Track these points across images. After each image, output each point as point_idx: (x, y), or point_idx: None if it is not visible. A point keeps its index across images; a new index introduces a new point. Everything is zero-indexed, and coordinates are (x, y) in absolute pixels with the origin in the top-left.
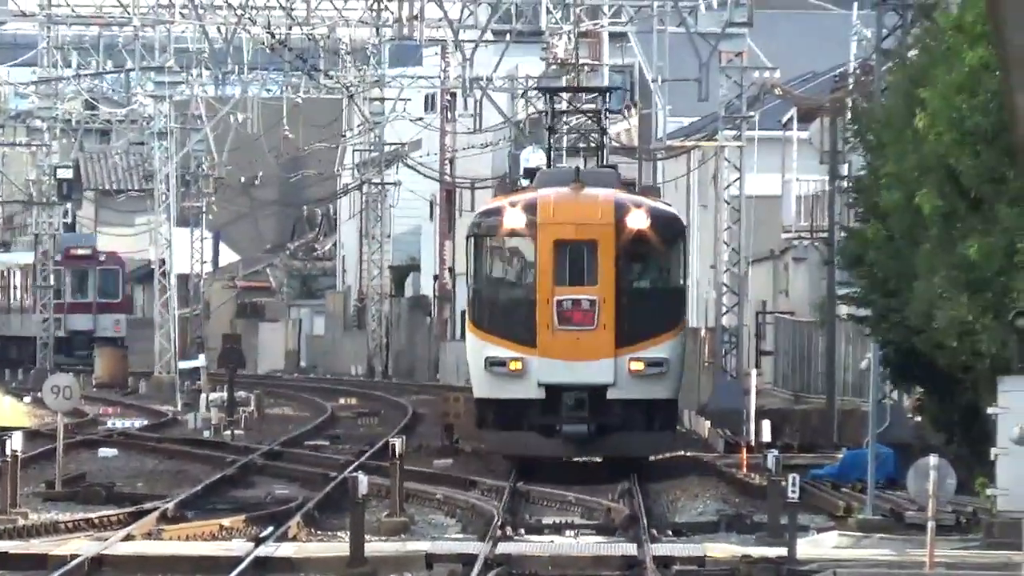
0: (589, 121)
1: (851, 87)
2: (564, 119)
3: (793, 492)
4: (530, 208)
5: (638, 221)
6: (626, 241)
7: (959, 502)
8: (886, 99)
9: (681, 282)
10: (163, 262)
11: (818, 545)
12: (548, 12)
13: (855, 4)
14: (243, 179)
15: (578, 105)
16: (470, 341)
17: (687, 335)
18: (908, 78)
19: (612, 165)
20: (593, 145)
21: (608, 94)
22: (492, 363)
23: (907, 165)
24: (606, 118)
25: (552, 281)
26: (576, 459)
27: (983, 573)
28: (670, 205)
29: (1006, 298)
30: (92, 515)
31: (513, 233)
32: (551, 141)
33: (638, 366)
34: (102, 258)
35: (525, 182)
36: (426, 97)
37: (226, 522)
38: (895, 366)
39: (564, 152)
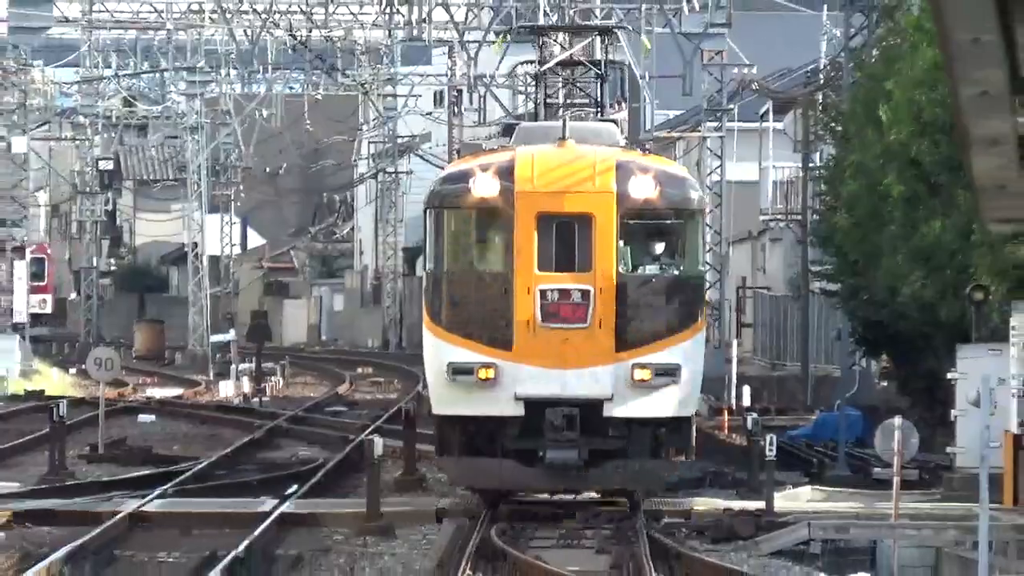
0: (585, 68)
1: (821, 82)
2: (558, 76)
3: (770, 451)
4: (505, 172)
5: (645, 189)
6: (630, 214)
7: (922, 459)
8: (851, 95)
9: (699, 267)
10: (196, 245)
11: (794, 499)
12: (545, 14)
13: (825, 6)
14: (268, 169)
15: (573, 54)
16: (428, 342)
17: (707, 335)
18: (869, 76)
19: (612, 119)
20: (590, 101)
21: (607, 35)
22: (456, 371)
23: (870, 155)
24: (605, 66)
25: (534, 266)
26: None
27: (944, 524)
28: (686, 170)
29: (963, 274)
30: (132, 475)
31: (483, 203)
32: (537, 92)
33: (644, 375)
34: (31, 249)
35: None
36: (435, 93)
37: (254, 481)
38: (863, 337)
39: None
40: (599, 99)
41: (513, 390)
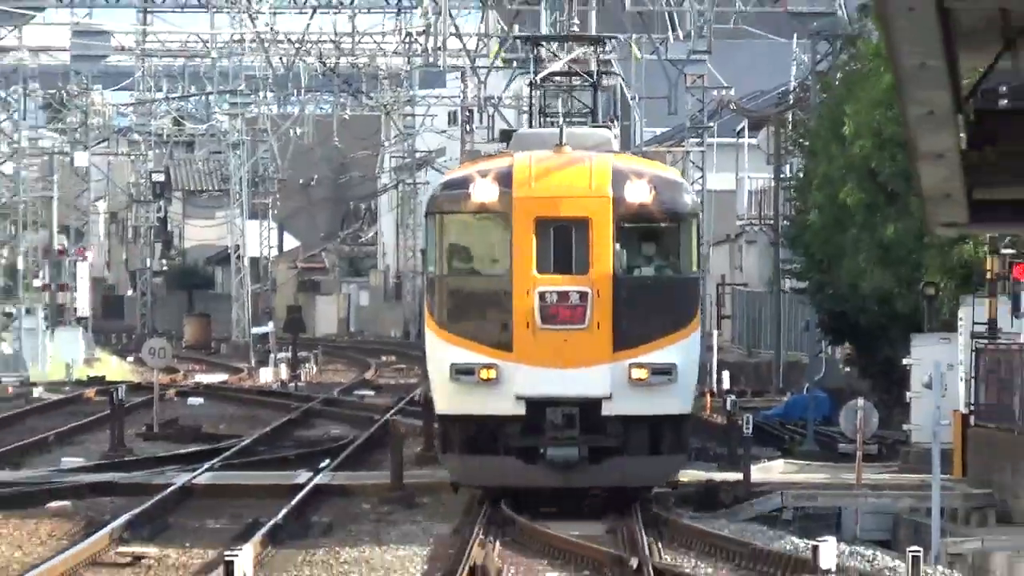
0: (579, 79)
1: (791, 103)
2: (554, 84)
3: (747, 429)
4: (503, 177)
5: (641, 193)
6: (626, 218)
7: (881, 435)
8: (817, 114)
9: (694, 269)
10: (238, 248)
11: (768, 471)
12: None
13: (795, 35)
14: (301, 180)
15: (569, 66)
16: (430, 343)
17: (703, 335)
18: (834, 98)
19: (606, 125)
20: (587, 110)
21: (602, 44)
22: (458, 371)
23: (834, 167)
24: (599, 76)
25: (533, 269)
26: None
27: (901, 492)
28: (679, 174)
29: (916, 272)
30: (183, 451)
31: (482, 208)
32: (533, 99)
33: (641, 374)
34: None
35: (498, 147)
36: (449, 113)
37: (291, 456)
38: (828, 327)
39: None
40: (593, 106)
41: (514, 390)
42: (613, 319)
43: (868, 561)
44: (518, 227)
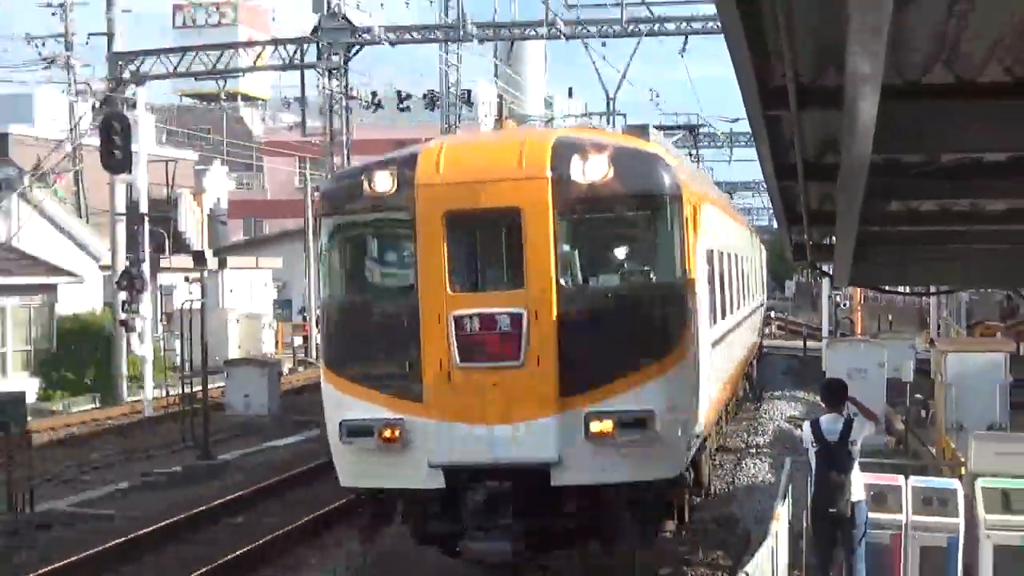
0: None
1: None
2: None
3: None
4: (406, 162)
5: (594, 170)
6: (574, 206)
7: None
8: None
9: (678, 272)
10: None
11: None
12: None
13: None
14: None
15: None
16: (323, 392)
17: (696, 364)
18: None
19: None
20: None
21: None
22: (351, 431)
23: None
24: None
25: (445, 285)
26: None
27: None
28: (662, 148)
29: None
30: None
31: (377, 206)
32: None
33: (603, 427)
34: None
35: None
36: None
37: None
38: None
39: None
40: None
41: (426, 456)
42: (559, 350)
43: None
44: (424, 227)
